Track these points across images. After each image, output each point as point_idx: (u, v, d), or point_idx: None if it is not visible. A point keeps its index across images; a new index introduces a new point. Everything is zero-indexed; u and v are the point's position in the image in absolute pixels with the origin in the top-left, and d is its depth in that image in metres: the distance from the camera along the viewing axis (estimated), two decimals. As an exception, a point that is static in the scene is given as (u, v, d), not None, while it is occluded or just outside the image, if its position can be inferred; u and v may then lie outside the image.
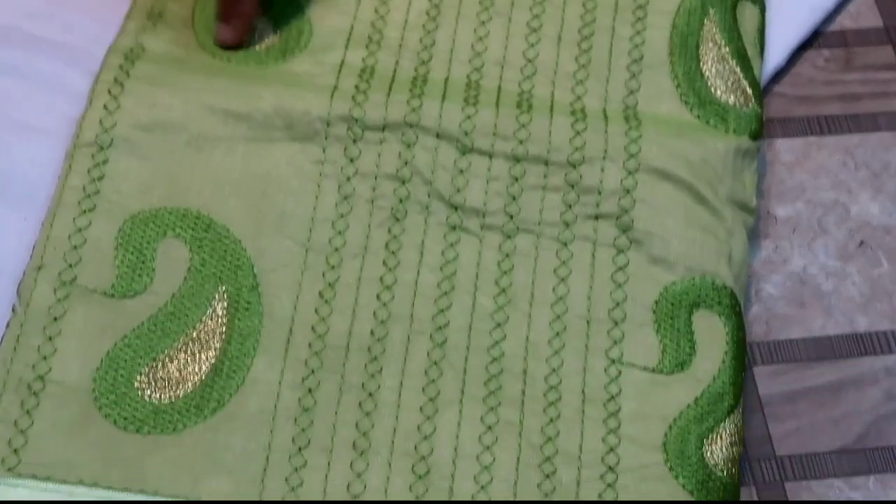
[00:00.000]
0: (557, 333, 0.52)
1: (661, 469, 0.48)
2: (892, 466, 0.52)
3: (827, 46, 0.63)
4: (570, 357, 0.51)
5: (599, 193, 0.54)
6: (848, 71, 0.62)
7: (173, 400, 0.49)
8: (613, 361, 0.51)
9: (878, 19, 0.64)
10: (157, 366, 0.50)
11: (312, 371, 0.50)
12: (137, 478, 0.47)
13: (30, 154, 0.55)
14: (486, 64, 0.58)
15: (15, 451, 0.48)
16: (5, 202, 0.54)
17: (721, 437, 0.49)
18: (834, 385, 0.54)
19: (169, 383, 0.49)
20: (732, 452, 0.50)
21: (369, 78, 0.56)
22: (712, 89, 0.57)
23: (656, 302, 0.52)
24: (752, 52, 0.59)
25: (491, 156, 0.55)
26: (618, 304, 0.52)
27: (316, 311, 0.51)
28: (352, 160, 0.54)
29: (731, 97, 0.58)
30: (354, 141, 0.54)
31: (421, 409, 0.50)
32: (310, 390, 0.50)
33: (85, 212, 0.53)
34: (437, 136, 0.55)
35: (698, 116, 0.57)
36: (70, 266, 0.52)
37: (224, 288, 0.52)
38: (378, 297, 0.52)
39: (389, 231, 0.53)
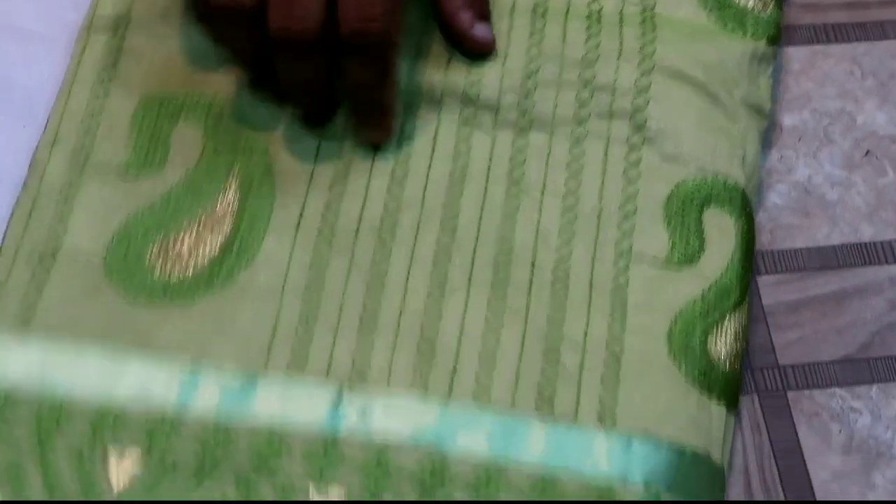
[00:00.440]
0: (568, 223, 0.51)
1: (664, 359, 0.48)
2: (894, 376, 0.52)
3: (833, -46, 0.62)
4: (579, 247, 0.51)
5: (613, 92, 0.54)
6: (854, -21, 0.62)
7: (182, 277, 0.49)
8: (622, 253, 0.51)
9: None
10: (168, 242, 0.50)
11: (322, 251, 0.50)
12: (145, 343, 0.48)
13: (28, 60, 0.54)
14: None
15: (27, 311, 0.48)
16: (4, 110, 0.53)
17: (725, 332, 0.50)
18: (838, 294, 0.54)
19: (179, 259, 0.49)
20: (736, 347, 0.50)
21: None
22: None
23: (668, 198, 0.52)
24: None
25: (506, 55, 0.55)
26: (629, 198, 0.52)
27: (328, 191, 0.51)
28: None
29: (750, 1, 0.57)
30: None
31: (428, 293, 0.49)
32: (318, 269, 0.50)
33: (102, 88, 0.53)
34: None
35: (716, 20, 0.56)
36: (85, 142, 0.51)
37: (237, 170, 0.51)
38: (389, 185, 0.52)
39: (401, 127, 0.53)
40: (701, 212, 0.52)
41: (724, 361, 0.49)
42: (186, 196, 0.51)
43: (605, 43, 0.55)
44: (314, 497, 0.46)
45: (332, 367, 0.48)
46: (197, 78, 0.53)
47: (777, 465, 0.50)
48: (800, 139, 0.57)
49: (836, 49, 0.60)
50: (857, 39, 0.60)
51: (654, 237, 0.51)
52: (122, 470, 0.46)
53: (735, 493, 0.49)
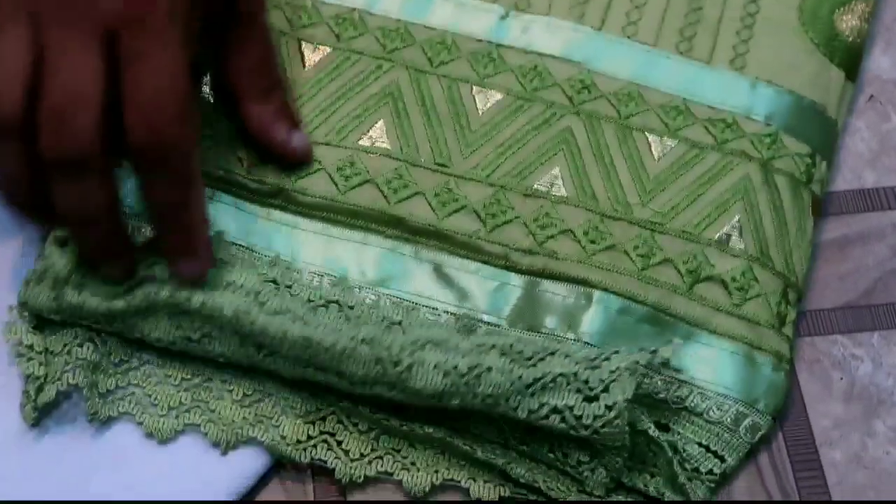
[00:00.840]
0: None
1: (794, 22, 0.55)
2: (896, 322, 0.51)
3: None
4: None
5: None
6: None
7: None
8: None
9: None
10: None
11: None
12: None
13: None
14: None
15: None
16: None
17: (853, 10, 0.56)
18: (840, 241, 0.53)
19: None
20: (860, 25, 0.56)
21: None
22: None
23: None
24: None
25: None
26: None
27: None
28: None
29: None
30: None
31: None
32: None
33: None
34: None
35: None
36: None
37: None
38: None
39: None
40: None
41: (848, 35, 0.55)
42: None
43: None
44: (476, 94, 0.53)
45: None
46: None
47: (778, 412, 0.49)
48: (803, 83, 0.57)
49: (841, -9, 0.59)
50: (861, -19, 0.59)
51: None
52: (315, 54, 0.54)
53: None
